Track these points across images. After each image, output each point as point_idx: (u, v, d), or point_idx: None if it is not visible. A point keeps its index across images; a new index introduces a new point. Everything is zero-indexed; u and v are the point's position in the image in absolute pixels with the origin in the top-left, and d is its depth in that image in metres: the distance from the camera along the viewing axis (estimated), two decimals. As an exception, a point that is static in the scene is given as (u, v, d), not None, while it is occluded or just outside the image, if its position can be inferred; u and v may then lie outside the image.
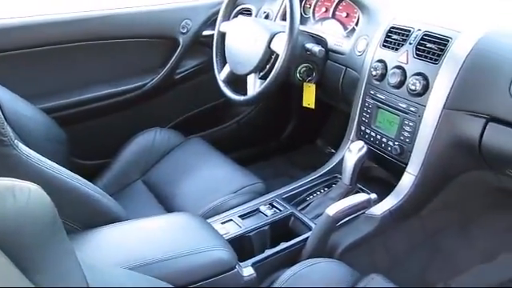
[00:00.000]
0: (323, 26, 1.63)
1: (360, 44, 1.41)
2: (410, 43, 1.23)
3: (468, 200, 1.33)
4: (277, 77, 1.38)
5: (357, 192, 1.27)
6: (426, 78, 1.18)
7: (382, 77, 1.29)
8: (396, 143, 1.25)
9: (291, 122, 2.10)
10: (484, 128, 1.07)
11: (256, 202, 1.31)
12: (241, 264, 1.05)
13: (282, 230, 1.24)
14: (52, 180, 0.92)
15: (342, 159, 1.31)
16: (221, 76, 1.61)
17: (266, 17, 1.75)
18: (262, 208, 1.28)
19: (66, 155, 1.38)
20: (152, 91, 1.80)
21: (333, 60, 1.51)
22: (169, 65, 1.81)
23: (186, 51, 1.83)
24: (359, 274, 1.01)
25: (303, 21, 1.63)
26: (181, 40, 1.80)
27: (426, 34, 1.21)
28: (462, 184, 1.25)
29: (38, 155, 0.91)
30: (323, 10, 1.64)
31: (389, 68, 1.27)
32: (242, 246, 1.16)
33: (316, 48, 1.46)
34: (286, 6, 1.40)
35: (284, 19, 1.57)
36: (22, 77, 1.54)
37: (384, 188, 1.27)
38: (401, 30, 1.28)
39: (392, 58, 1.27)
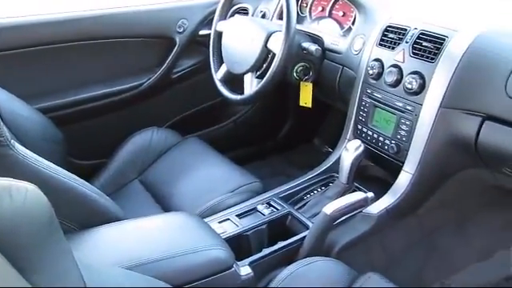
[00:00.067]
0: (320, 25, 1.63)
1: (356, 43, 1.41)
2: (407, 42, 1.23)
3: (464, 198, 1.34)
4: (273, 76, 1.38)
5: (354, 191, 1.27)
6: (422, 76, 1.18)
7: (379, 76, 1.29)
8: (393, 142, 1.26)
9: (288, 121, 2.10)
10: (480, 126, 1.07)
11: (253, 201, 1.31)
12: (238, 263, 1.05)
13: (279, 228, 1.24)
14: (49, 180, 0.92)
15: (339, 158, 1.32)
16: (217, 75, 1.61)
17: (263, 16, 1.75)
18: (260, 207, 1.28)
19: (62, 155, 1.37)
20: (149, 91, 1.80)
21: (329, 59, 1.51)
22: (165, 64, 1.80)
23: (183, 51, 1.82)
24: (356, 273, 1.01)
25: (300, 20, 1.63)
26: (177, 39, 1.80)
27: (422, 33, 1.21)
28: (459, 182, 1.26)
29: (35, 155, 0.91)
30: (320, 9, 1.64)
31: (385, 67, 1.28)
32: (239, 245, 1.16)
33: (313, 47, 1.46)
34: (282, 6, 1.40)
35: (281, 18, 1.57)
36: (18, 77, 1.53)
37: (381, 187, 1.27)
38: (397, 28, 1.28)
39: (388, 56, 1.27)
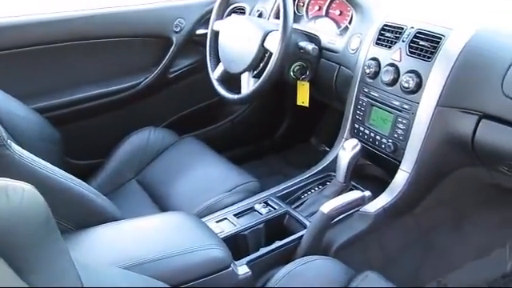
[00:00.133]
0: (316, 24, 1.63)
1: (353, 42, 1.41)
2: (403, 41, 1.24)
3: (461, 196, 1.34)
4: (270, 75, 1.38)
5: (351, 190, 1.27)
6: (419, 75, 1.18)
7: (376, 74, 1.29)
8: (390, 141, 1.26)
9: (285, 121, 2.10)
10: (477, 125, 1.08)
11: (251, 201, 1.31)
12: (236, 262, 1.05)
13: (276, 228, 1.24)
14: (46, 180, 0.91)
15: (336, 157, 1.32)
16: (214, 75, 1.61)
17: (260, 15, 1.75)
18: (257, 206, 1.28)
19: (59, 155, 1.37)
20: (146, 90, 1.80)
21: (326, 58, 1.51)
22: (162, 64, 1.80)
23: (180, 50, 1.82)
24: (354, 272, 1.01)
25: (296, 19, 1.63)
26: (174, 39, 1.79)
27: (418, 32, 1.21)
28: (456, 181, 1.26)
29: (32, 155, 0.90)
30: (316, 8, 1.64)
31: (382, 66, 1.28)
32: (236, 245, 1.16)
33: (309, 46, 1.46)
34: (279, 5, 1.40)
35: (277, 17, 1.57)
36: (15, 77, 1.53)
37: (378, 185, 1.27)
38: (394, 27, 1.28)
39: (385, 55, 1.28)
